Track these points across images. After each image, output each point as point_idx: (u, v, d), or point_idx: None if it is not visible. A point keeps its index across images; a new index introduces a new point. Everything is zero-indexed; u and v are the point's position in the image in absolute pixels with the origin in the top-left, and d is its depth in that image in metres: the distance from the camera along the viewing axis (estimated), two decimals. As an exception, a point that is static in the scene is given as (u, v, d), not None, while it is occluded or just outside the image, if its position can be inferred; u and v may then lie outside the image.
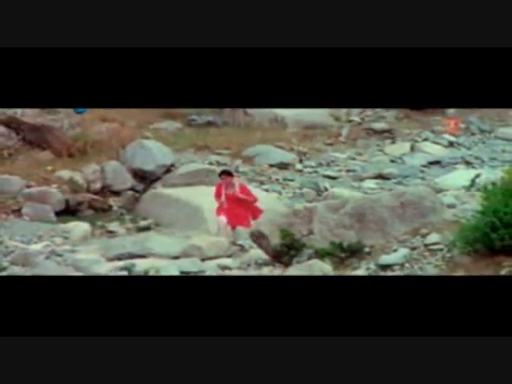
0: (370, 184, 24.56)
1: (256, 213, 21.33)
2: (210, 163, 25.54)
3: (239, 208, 21.42)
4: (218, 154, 25.97)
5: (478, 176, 21.85)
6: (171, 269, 18.02)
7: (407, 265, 16.82)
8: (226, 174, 22.27)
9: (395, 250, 17.37)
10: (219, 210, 21.86)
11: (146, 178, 25.51)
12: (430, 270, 16.46)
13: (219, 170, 23.72)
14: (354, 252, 17.84)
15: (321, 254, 17.88)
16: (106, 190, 25.14)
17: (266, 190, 24.85)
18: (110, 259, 19.13)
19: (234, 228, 21.76)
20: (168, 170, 25.61)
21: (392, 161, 25.73)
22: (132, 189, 25.46)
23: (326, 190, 24.28)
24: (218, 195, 22.27)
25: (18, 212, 23.28)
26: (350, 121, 28.37)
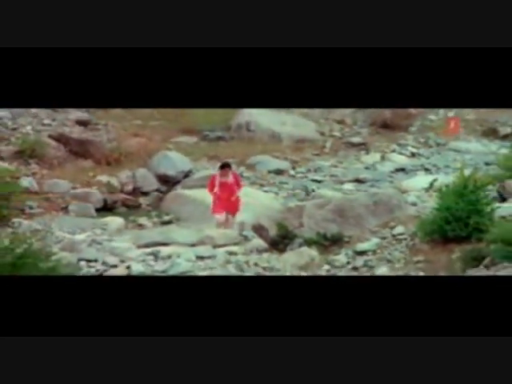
0: (348, 186, 24.42)
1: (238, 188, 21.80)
2: (218, 170, 25.46)
3: (230, 196, 21.41)
4: (224, 162, 25.85)
5: (434, 180, 22.00)
6: (189, 254, 17.97)
7: (378, 251, 16.78)
8: (227, 166, 22.15)
9: (369, 239, 17.43)
10: (215, 207, 21.60)
11: (168, 182, 25.21)
12: (396, 255, 16.48)
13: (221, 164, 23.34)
14: (336, 241, 17.86)
15: (309, 243, 17.89)
16: (137, 191, 24.82)
17: (265, 191, 24.69)
18: (140, 246, 19.00)
19: (234, 215, 21.66)
20: (186, 175, 25.36)
21: (366, 168, 25.72)
22: (157, 190, 25.15)
23: (313, 191, 24.19)
24: (211, 187, 21.86)
25: (65, 209, 23.12)
26: (333, 135, 28.13)
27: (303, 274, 16.11)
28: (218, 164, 25.24)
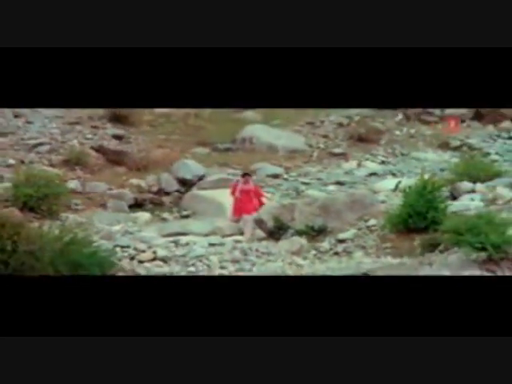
0: (331, 188, 24.29)
1: (260, 205, 20.63)
2: (228, 174, 25.41)
3: (249, 201, 20.73)
4: (233, 168, 25.81)
5: (399, 183, 22.01)
6: (203, 242, 17.85)
7: (355, 239, 16.71)
8: (248, 175, 21.74)
9: (347, 230, 17.37)
10: (235, 210, 21.03)
11: (186, 184, 25.11)
12: (370, 242, 16.40)
13: (237, 177, 23.23)
14: (321, 231, 17.80)
15: (299, 233, 17.86)
16: (161, 192, 24.83)
17: (264, 191, 24.19)
18: (163, 236, 19.00)
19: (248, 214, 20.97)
20: (200, 178, 25.29)
21: (345, 173, 25.62)
22: (177, 191, 25.02)
23: (303, 191, 24.11)
24: (233, 192, 21.09)
25: (103, 206, 23.19)
26: (318, 147, 28.10)
27: (295, 258, 16.08)
28: (229, 170, 25.46)
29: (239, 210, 20.63)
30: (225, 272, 15.49)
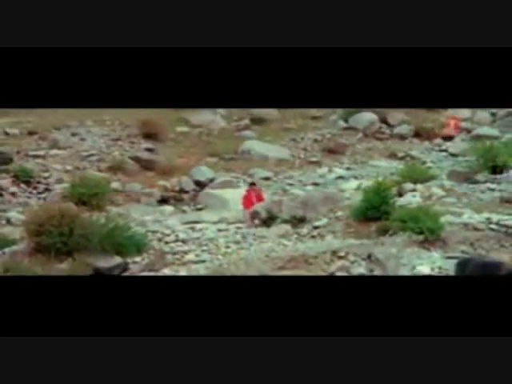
0: (309, 187, 24.30)
1: (261, 202, 20.05)
2: (231, 177, 25.47)
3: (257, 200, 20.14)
4: (235, 173, 25.97)
5: (360, 184, 21.86)
6: (213, 228, 17.88)
7: (327, 226, 16.65)
8: (254, 184, 21.29)
9: (321, 219, 17.12)
10: (245, 205, 19.95)
11: (200, 185, 25.03)
12: (337, 228, 16.32)
13: (247, 182, 22.83)
14: (301, 220, 17.59)
15: (285, 221, 17.69)
16: (181, 191, 24.74)
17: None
18: (183, 223, 18.85)
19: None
20: (211, 180, 25.22)
21: (320, 176, 25.56)
22: (194, 190, 24.89)
23: (287, 190, 24.09)
24: (249, 204, 19.72)
25: (138, 201, 23.24)
26: (300, 157, 28.12)
27: (282, 240, 16.07)
28: (232, 174, 25.48)
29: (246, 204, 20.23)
30: (228, 250, 15.55)
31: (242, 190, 21.62)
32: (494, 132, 27.22)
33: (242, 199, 20.00)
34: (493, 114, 29.52)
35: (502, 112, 29.26)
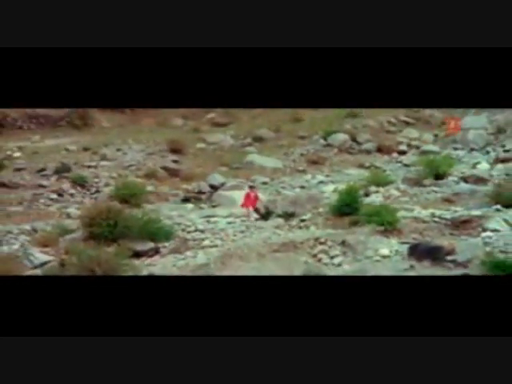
0: (297, 190, 24.09)
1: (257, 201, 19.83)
2: (237, 182, 25.35)
3: (254, 201, 19.53)
4: (241, 179, 25.91)
5: (336, 187, 21.79)
6: (223, 221, 17.70)
7: (311, 219, 16.62)
8: (253, 187, 20.86)
9: (306, 214, 17.02)
10: (244, 205, 19.26)
11: (214, 188, 24.68)
12: (319, 221, 16.26)
13: (247, 185, 22.28)
14: (291, 215, 17.57)
15: (279, 216, 17.70)
16: (200, 192, 24.52)
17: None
18: (201, 217, 18.77)
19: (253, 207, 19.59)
20: (222, 184, 24.86)
21: (305, 181, 25.41)
22: (209, 191, 24.54)
23: (280, 192, 23.93)
24: (248, 204, 18.73)
25: (167, 200, 23.15)
26: (290, 167, 28.05)
27: (277, 230, 16.02)
28: (238, 180, 25.30)
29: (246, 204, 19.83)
30: (235, 238, 15.51)
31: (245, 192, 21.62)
32: (436, 149, 27.38)
33: (242, 199, 19.67)
34: (435, 135, 29.58)
35: (441, 134, 29.54)
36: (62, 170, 24.04)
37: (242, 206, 19.10)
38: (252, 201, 19.20)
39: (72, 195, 22.66)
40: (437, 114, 31.51)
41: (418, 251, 12.64)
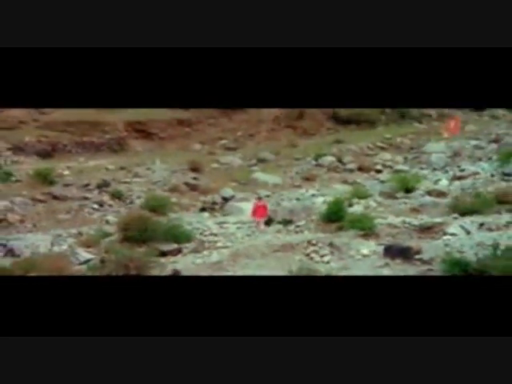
0: (294, 201, 23.86)
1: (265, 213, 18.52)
2: (245, 195, 25.15)
3: (264, 211, 18.38)
4: (248, 193, 25.61)
5: (325, 200, 21.56)
6: (234, 226, 17.52)
7: (305, 225, 16.51)
8: (260, 198, 20.09)
9: (301, 220, 16.93)
10: (254, 215, 17.92)
11: (226, 199, 24.37)
12: (311, 227, 16.17)
13: (256, 197, 21.14)
14: (289, 222, 17.43)
15: (279, 222, 17.56)
16: (214, 203, 24.27)
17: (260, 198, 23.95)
18: (215, 223, 18.56)
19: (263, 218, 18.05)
20: (232, 197, 24.57)
21: (301, 194, 25.10)
22: (222, 203, 24.24)
23: (280, 204, 23.72)
24: (258, 215, 17.32)
25: (187, 209, 22.86)
26: (288, 183, 27.81)
27: (277, 234, 16.02)
28: (246, 193, 25.13)
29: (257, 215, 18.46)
30: (243, 241, 15.51)
31: (252, 204, 21.32)
32: (406, 168, 27.43)
33: (252, 210, 18.70)
34: (405, 158, 29.63)
35: (410, 156, 29.53)
36: (102, 185, 24.21)
37: (253, 216, 18.01)
38: (261, 212, 18.21)
39: (110, 205, 22.78)
40: (405, 140, 31.60)
41: (392, 251, 12.69)
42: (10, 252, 15.80)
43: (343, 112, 33.46)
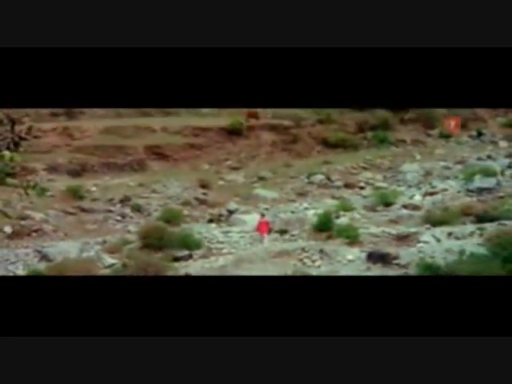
0: (289, 214, 23.60)
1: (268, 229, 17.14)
2: (247, 208, 24.96)
3: (267, 226, 17.16)
4: (250, 206, 25.43)
5: (316, 211, 21.38)
6: (237, 235, 17.31)
7: (299, 234, 16.46)
8: (264, 215, 18.86)
9: (297, 228, 16.91)
10: (259, 231, 16.55)
11: (231, 212, 24.16)
12: (305, 236, 16.11)
13: (260, 214, 19.84)
14: (285, 231, 17.35)
15: (276, 232, 17.44)
16: (220, 215, 23.92)
17: (263, 215, 23.57)
18: (221, 232, 18.36)
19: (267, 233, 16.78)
20: (236, 209, 24.35)
21: (295, 208, 24.89)
22: (227, 215, 23.94)
23: (278, 216, 23.50)
24: (262, 230, 16.11)
25: (197, 221, 22.95)
26: (284, 198, 27.71)
27: (274, 242, 15.96)
28: (248, 207, 25.01)
29: (261, 231, 17.16)
30: (246, 248, 15.47)
31: (253, 216, 20.88)
32: (385, 185, 27.49)
33: (256, 227, 16.78)
34: (384, 176, 29.66)
35: (388, 175, 29.52)
36: (124, 200, 24.31)
37: (257, 231, 16.94)
38: (264, 228, 17.14)
39: (131, 217, 22.83)
40: (384, 162, 31.70)
41: (373, 257, 12.70)
42: (45, 257, 15.85)
43: (331, 138, 33.65)
